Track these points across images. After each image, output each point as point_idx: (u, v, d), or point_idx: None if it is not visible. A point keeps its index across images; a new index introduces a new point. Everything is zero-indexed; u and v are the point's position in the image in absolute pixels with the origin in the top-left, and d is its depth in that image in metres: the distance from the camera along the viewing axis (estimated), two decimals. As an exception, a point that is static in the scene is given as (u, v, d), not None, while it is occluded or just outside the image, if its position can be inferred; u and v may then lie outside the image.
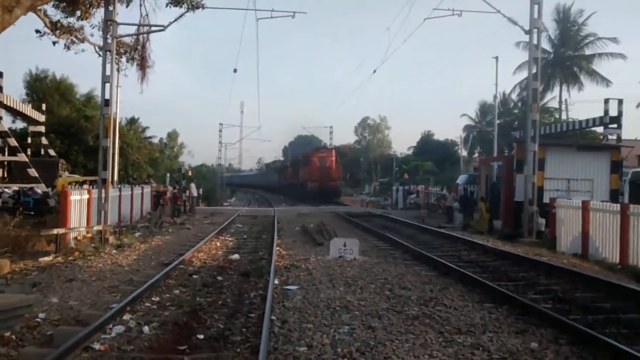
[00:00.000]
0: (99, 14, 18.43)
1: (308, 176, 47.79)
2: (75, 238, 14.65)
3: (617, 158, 19.07)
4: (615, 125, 26.26)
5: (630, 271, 11.87)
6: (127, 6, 18.94)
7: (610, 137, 26.41)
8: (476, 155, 62.99)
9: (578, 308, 8.13)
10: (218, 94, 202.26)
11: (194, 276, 10.57)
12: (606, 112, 26.30)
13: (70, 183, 24.59)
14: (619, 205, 13.83)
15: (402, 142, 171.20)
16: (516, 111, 56.88)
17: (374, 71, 56.74)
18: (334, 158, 49.12)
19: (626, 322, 7.36)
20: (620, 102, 26.33)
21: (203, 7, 18.77)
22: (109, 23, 16.40)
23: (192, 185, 30.99)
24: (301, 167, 51.49)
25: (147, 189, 26.67)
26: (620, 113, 26.19)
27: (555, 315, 7.28)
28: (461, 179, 32.81)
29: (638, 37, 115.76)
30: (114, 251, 13.60)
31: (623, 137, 26.89)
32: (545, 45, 48.02)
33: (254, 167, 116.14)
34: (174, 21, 18.12)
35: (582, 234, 14.49)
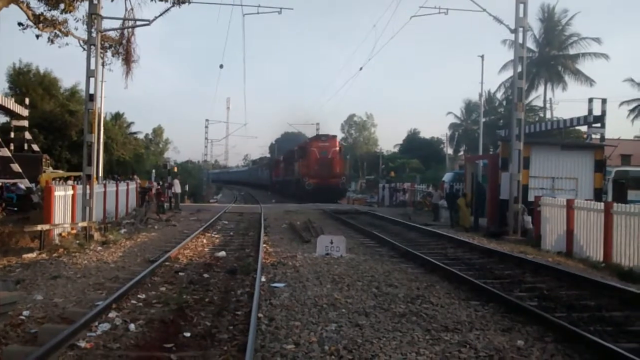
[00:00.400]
0: (83, 7, 18.30)
1: (305, 171, 39.11)
2: (60, 234, 14.50)
3: (601, 157, 19.26)
4: (598, 125, 26.59)
5: (614, 269, 11.99)
6: (112, 0, 18.80)
7: (593, 136, 26.74)
8: (462, 153, 63.50)
9: (563, 306, 8.20)
10: (204, 90, 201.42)
11: (180, 273, 10.51)
12: (590, 111, 26.61)
13: (54, 179, 24.36)
14: (602, 203, 13.97)
15: (388, 140, 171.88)
16: (501, 110, 57.35)
17: (361, 68, 56.22)
18: (337, 148, 39.95)
19: (610, 319, 7.44)
20: (603, 101, 26.67)
21: (189, 2, 18.69)
22: (93, 17, 16.22)
23: (176, 182, 30.79)
24: (296, 160, 42.45)
25: (133, 185, 26.48)
26: (603, 112, 26.52)
27: (540, 313, 7.34)
28: (447, 176, 32.98)
29: (620, 38, 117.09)
30: (99, 248, 13.49)
31: (606, 136, 27.24)
32: (530, 44, 48.61)
33: (240, 163, 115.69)
34: (159, 15, 17.98)
35: (567, 232, 14.62)
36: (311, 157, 38.96)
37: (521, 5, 17.85)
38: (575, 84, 50.60)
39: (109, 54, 21.19)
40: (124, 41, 20.38)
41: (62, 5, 18.05)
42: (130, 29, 19.81)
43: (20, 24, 18.24)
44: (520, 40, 18.33)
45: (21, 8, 17.59)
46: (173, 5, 18.30)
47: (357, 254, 13.19)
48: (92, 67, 16.26)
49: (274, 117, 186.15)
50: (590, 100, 26.78)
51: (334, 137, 42.49)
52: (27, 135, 29.87)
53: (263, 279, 9.65)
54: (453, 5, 22.47)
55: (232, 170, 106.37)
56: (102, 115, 31.39)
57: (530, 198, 17.83)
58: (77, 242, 13.98)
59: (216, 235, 17.13)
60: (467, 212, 20.65)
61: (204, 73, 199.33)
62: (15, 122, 29.60)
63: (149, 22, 17.99)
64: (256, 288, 8.50)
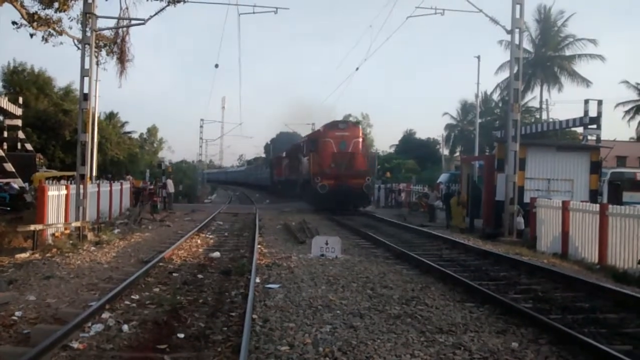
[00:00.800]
0: (77, 6, 18.21)
1: (317, 169, 28.66)
2: (53, 234, 14.42)
3: (597, 158, 19.31)
4: (594, 126, 26.68)
5: (609, 271, 12.02)
6: (106, -1, 18.77)
7: (589, 137, 26.81)
8: (457, 154, 63.50)
9: (558, 308, 8.19)
10: (199, 90, 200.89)
11: (174, 274, 10.46)
12: (586, 112, 26.70)
13: (47, 178, 24.24)
14: (598, 205, 13.99)
15: (384, 140, 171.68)
16: (497, 111, 57.46)
17: (357, 69, 55.77)
18: (360, 139, 29.70)
19: (605, 321, 7.44)
20: (599, 102, 26.76)
21: (184, 1, 18.63)
22: (87, 16, 16.14)
23: (169, 182, 30.69)
24: (305, 154, 31.95)
25: (126, 185, 26.39)
26: (599, 114, 26.60)
27: (535, 314, 7.33)
28: (443, 177, 33.03)
29: (616, 40, 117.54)
30: (93, 248, 13.42)
31: (602, 138, 27.32)
32: (527, 45, 48.63)
33: (235, 163, 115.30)
34: (154, 15, 17.89)
35: (562, 234, 14.64)
36: (326, 151, 29.04)
37: (517, 6, 17.86)
38: (571, 85, 50.76)
39: (103, 53, 21.14)
40: (118, 40, 20.32)
41: (56, 4, 17.98)
42: (124, 28, 19.74)
43: (14, 22, 18.17)
44: (517, 41, 18.32)
45: (15, 7, 17.51)
46: (168, 5, 18.26)
47: (352, 255, 13.16)
48: (87, 66, 16.17)
49: (270, 117, 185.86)
50: (586, 101, 26.87)
51: (356, 124, 32.33)
52: (21, 135, 29.74)
53: (257, 280, 9.61)
54: (449, 6, 22.53)
55: (231, 169, 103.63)
56: (96, 115, 31.29)
57: (526, 199, 17.85)
58: (71, 242, 13.91)
59: (210, 236, 17.08)
60: (459, 212, 20.67)
61: (199, 72, 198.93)
62: (8, 121, 29.45)
63: (143, 22, 17.92)
64: (250, 289, 8.46)
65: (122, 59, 20.22)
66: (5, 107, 26.82)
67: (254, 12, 21.54)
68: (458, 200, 21.02)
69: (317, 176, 28.47)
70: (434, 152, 65.66)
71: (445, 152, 65.69)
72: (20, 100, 30.50)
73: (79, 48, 17.27)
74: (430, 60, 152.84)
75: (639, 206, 12.94)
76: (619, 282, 10.71)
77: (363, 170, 28.95)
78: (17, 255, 11.75)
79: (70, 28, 19.26)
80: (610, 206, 13.32)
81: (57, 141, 38.33)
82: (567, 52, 50.65)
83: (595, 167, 19.00)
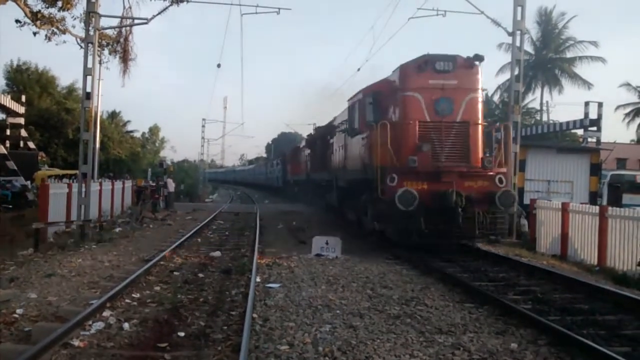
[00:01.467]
0: (80, 5, 18.30)
1: (389, 157, 12.72)
2: (55, 232, 14.47)
3: (597, 160, 19.34)
4: (595, 128, 26.75)
5: (608, 273, 12.01)
6: (110, -2, 18.84)
7: (589, 139, 26.85)
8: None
9: (557, 309, 8.21)
10: (201, 89, 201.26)
11: (175, 273, 10.49)
12: (586, 114, 26.76)
13: (49, 176, 24.31)
14: (597, 207, 14.00)
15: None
16: (498, 112, 57.42)
17: (358, 69, 55.23)
18: (478, 94, 13.23)
19: (604, 323, 7.46)
20: (600, 105, 26.85)
21: (187, 1, 18.69)
22: (91, 15, 16.21)
23: (170, 181, 30.71)
24: (359, 130, 15.05)
25: (128, 184, 26.43)
26: (600, 116, 26.68)
27: (534, 316, 7.36)
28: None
29: (618, 42, 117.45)
30: (94, 246, 13.46)
31: (602, 140, 27.38)
32: (528, 47, 48.55)
33: (236, 163, 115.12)
34: (157, 14, 18.00)
35: (562, 236, 14.64)
36: (408, 119, 13.17)
37: (519, 8, 17.83)
38: (572, 88, 50.66)
39: (106, 52, 21.26)
40: (121, 39, 20.42)
41: (59, 3, 18.06)
42: (127, 28, 19.80)
43: (17, 21, 18.25)
44: (518, 43, 18.32)
45: (19, 5, 17.59)
46: (171, 4, 18.33)
47: (352, 254, 13.17)
48: (89, 65, 16.24)
49: (271, 118, 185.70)
50: (587, 103, 26.95)
51: (472, 61, 13.33)
52: (23, 133, 29.86)
53: (258, 279, 9.64)
54: (451, 7, 22.45)
55: (239, 168, 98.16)
56: (99, 114, 31.34)
57: (526, 201, 17.85)
58: (72, 240, 13.95)
59: (211, 235, 17.11)
60: None
61: (202, 72, 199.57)
62: (11, 120, 29.56)
63: (146, 21, 17.98)
64: (251, 288, 8.48)
65: (124, 58, 20.31)
66: (8, 106, 26.95)
67: (256, 12, 21.57)
68: None
69: (389, 173, 12.79)
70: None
71: (447, 153, 65.60)
72: (23, 98, 30.63)
73: (82, 47, 17.37)
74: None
75: (639, 208, 12.93)
76: (618, 284, 10.70)
77: (490, 158, 13.33)
78: (19, 253, 11.80)
79: (74, 27, 19.37)
80: (609, 208, 13.31)
81: (59, 140, 38.45)
82: (568, 54, 50.56)
83: (595, 169, 19.03)
